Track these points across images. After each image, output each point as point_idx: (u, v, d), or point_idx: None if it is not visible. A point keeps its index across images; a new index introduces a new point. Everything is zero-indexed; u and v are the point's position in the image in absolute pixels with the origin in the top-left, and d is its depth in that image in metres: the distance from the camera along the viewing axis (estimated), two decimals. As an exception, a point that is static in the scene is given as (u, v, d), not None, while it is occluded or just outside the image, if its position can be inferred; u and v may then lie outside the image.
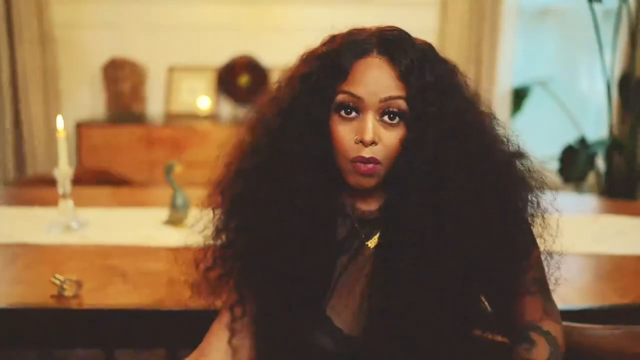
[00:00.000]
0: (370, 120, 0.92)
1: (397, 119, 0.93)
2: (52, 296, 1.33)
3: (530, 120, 3.97)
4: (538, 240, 1.00)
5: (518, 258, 0.98)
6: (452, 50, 3.72)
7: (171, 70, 3.86)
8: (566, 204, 2.35)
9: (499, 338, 1.11)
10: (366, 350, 0.96)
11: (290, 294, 0.97)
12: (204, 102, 3.80)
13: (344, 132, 0.93)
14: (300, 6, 3.80)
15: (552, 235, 0.99)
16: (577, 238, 1.80)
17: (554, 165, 3.52)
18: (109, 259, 1.58)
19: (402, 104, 0.92)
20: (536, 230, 0.99)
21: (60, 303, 1.33)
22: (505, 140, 0.99)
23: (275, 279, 0.97)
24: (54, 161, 3.60)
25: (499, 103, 3.77)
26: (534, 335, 0.98)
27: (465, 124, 0.95)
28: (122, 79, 3.67)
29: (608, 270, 1.62)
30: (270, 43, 3.79)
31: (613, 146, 3.40)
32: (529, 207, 0.99)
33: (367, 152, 0.92)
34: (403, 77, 0.92)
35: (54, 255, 1.62)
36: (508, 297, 1.01)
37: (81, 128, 3.48)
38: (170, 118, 3.80)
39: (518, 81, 3.94)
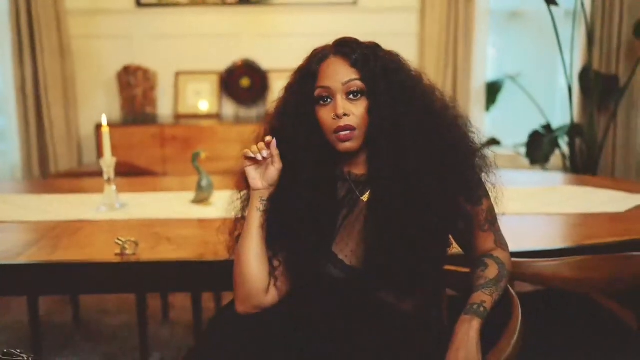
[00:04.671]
0: (339, 100, 1.23)
1: (359, 95, 1.23)
2: (117, 254, 1.62)
3: (503, 112, 4.23)
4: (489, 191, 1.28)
5: (472, 202, 1.27)
6: (431, 50, 3.94)
7: (178, 75, 4.05)
8: (533, 178, 2.66)
9: (462, 269, 1.41)
10: (363, 276, 1.23)
11: (306, 239, 1.25)
12: (204, 105, 4.01)
13: (325, 114, 1.25)
14: (294, 14, 4.01)
15: (495, 187, 1.28)
16: (536, 203, 2.12)
17: (523, 150, 3.78)
18: (152, 229, 1.86)
19: (359, 83, 1.23)
20: (485, 182, 1.27)
21: (123, 259, 1.61)
22: (449, 105, 1.28)
23: (294, 229, 1.26)
24: (73, 159, 3.88)
25: (475, 96, 4.00)
26: (487, 260, 1.28)
27: (411, 92, 1.25)
28: (134, 84, 3.88)
29: (556, 224, 1.93)
30: (268, 48, 4.01)
31: (574, 131, 3.63)
32: (477, 162, 1.26)
33: (342, 122, 1.22)
34: (354, 65, 1.23)
35: (107, 227, 1.91)
36: (468, 234, 1.30)
37: (100, 129, 3.63)
38: (179, 118, 3.98)
39: (492, 77, 4.17)
